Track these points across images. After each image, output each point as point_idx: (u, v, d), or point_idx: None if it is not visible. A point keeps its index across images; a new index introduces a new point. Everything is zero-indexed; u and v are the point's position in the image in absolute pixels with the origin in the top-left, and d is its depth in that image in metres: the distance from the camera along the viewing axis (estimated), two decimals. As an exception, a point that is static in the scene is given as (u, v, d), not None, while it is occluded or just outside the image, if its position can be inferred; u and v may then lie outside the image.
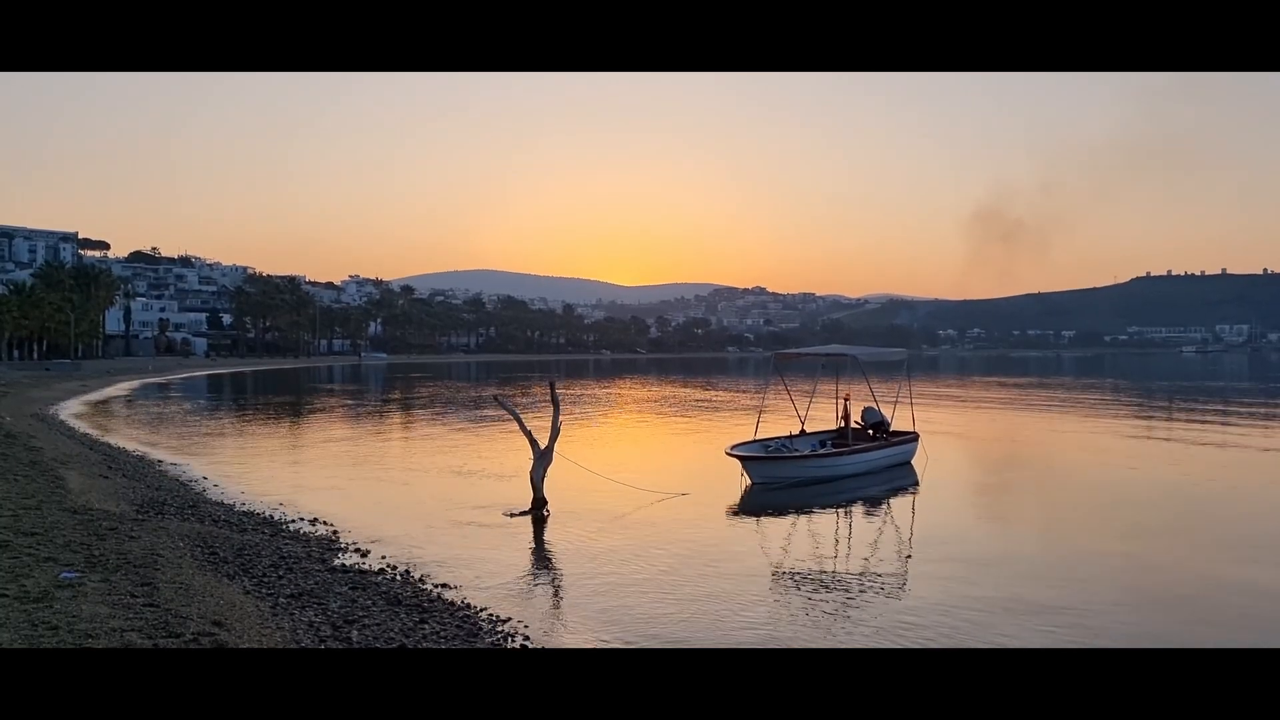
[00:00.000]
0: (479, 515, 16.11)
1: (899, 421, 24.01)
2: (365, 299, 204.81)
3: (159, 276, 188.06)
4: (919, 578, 12.16)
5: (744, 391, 61.52)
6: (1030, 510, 18.72)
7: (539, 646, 9.10)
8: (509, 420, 17.71)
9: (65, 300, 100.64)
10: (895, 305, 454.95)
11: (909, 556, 13.89)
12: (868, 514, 17.65)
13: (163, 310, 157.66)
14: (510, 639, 9.17)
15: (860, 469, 21.30)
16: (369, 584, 10.76)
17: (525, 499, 16.23)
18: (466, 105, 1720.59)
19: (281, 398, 56.10)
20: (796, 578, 12.26)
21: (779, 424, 25.18)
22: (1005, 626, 9.91)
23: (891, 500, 18.99)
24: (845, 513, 17.66)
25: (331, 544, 13.38)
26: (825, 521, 17.00)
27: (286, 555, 11.80)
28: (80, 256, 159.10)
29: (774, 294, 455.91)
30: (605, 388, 69.70)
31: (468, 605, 10.26)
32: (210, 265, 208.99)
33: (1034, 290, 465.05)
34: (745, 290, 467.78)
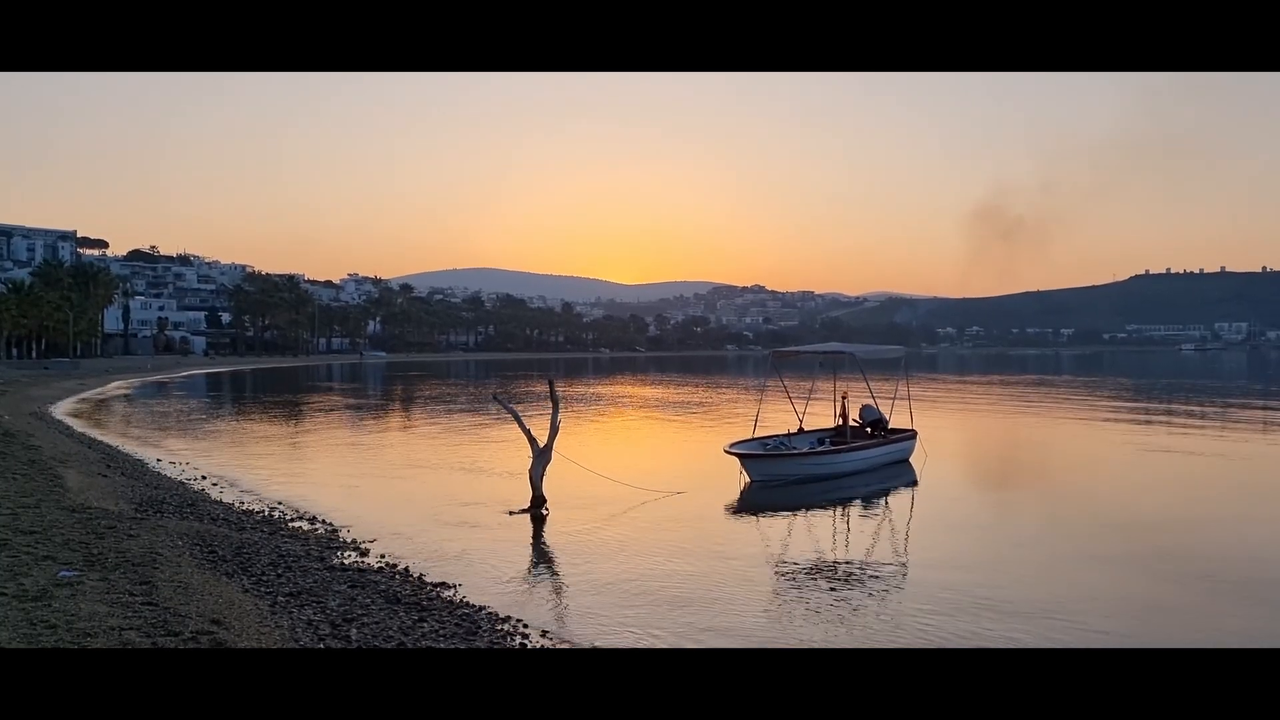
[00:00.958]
0: (478, 514, 16.11)
1: (897, 419, 24.02)
2: (364, 297, 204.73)
3: (158, 275, 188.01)
4: (917, 576, 12.17)
5: (742, 389, 61.54)
6: (1028, 508, 18.72)
7: (538, 646, 9.11)
8: (508, 419, 17.71)
9: (64, 299, 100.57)
10: (894, 303, 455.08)
11: (907, 555, 13.92)
12: (866, 512, 17.67)
13: (161, 309, 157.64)
14: (509, 638, 9.17)
15: (858, 467, 21.32)
16: (368, 582, 10.76)
17: (524, 497, 16.24)
18: (465, 104, 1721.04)
19: (280, 396, 56.08)
20: (796, 576, 12.27)
21: (777, 422, 25.20)
22: (1004, 626, 9.91)
23: (889, 498, 19.00)
24: (843, 511, 17.68)
25: (330, 542, 13.38)
26: (824, 519, 17.01)
27: (285, 554, 11.80)
28: (79, 255, 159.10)
29: (773, 292, 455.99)
30: (604, 386, 69.71)
31: (467, 604, 10.26)
32: (209, 264, 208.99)
33: (1033, 288, 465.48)
34: (744, 288, 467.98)
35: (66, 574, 8.56)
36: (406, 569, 11.82)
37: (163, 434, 30.84)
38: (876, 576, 12.23)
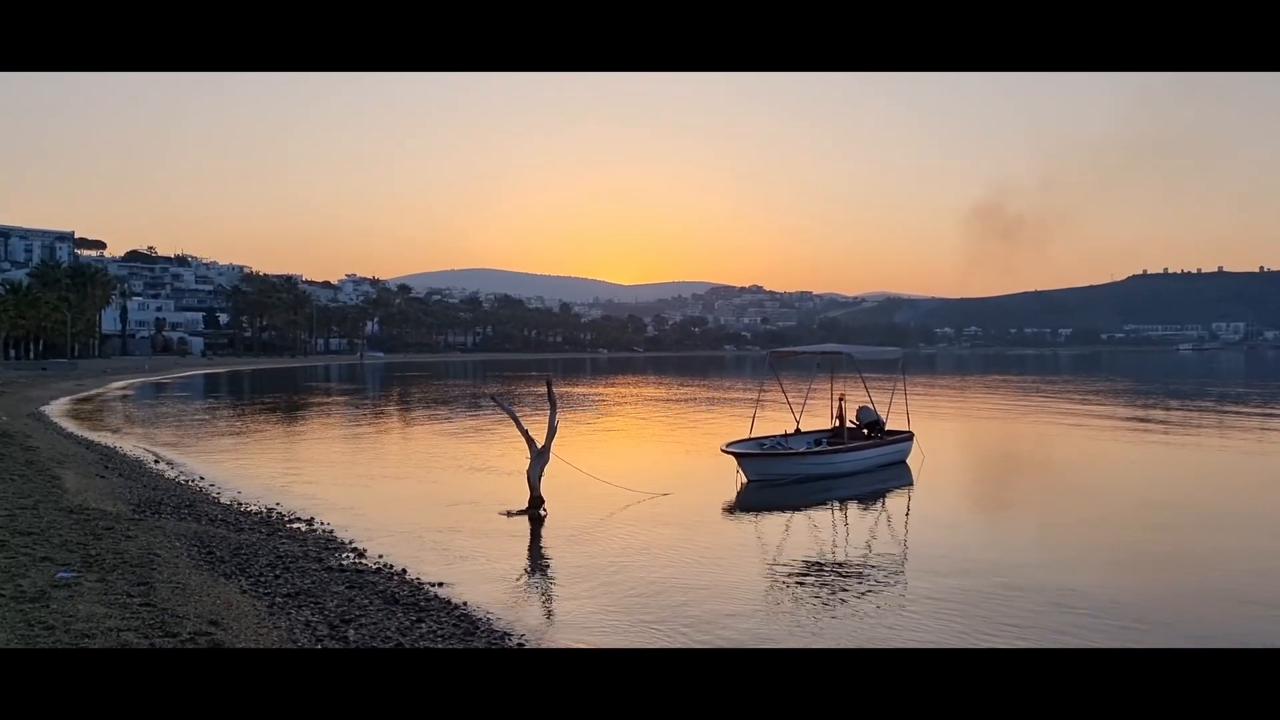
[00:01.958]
0: (476, 515, 16.11)
1: (894, 420, 24.03)
2: (362, 298, 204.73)
3: (155, 276, 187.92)
4: (914, 577, 12.18)
5: (740, 389, 61.55)
6: (1025, 510, 18.74)
7: (536, 646, 9.12)
8: (506, 419, 17.72)
9: (62, 300, 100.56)
10: (892, 303, 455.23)
11: (903, 555, 13.93)
12: (862, 512, 17.68)
13: (159, 309, 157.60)
14: (507, 639, 9.17)
15: (855, 467, 21.34)
16: (366, 583, 10.76)
17: (522, 498, 16.23)
18: (463, 104, 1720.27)
19: (278, 397, 56.05)
20: (793, 576, 12.27)
21: (775, 422, 25.20)
22: (1002, 626, 9.91)
23: (886, 498, 19.01)
24: (840, 511, 17.69)
25: (328, 543, 13.37)
26: (820, 519, 17.02)
27: (283, 554, 11.79)
28: (76, 256, 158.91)
29: (771, 292, 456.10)
30: (602, 386, 69.71)
31: (464, 604, 10.27)
32: (207, 264, 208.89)
33: (1031, 288, 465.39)
34: (742, 289, 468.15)
35: (64, 575, 8.56)
36: (404, 570, 11.82)
37: (161, 435, 30.82)
38: (873, 576, 12.24)
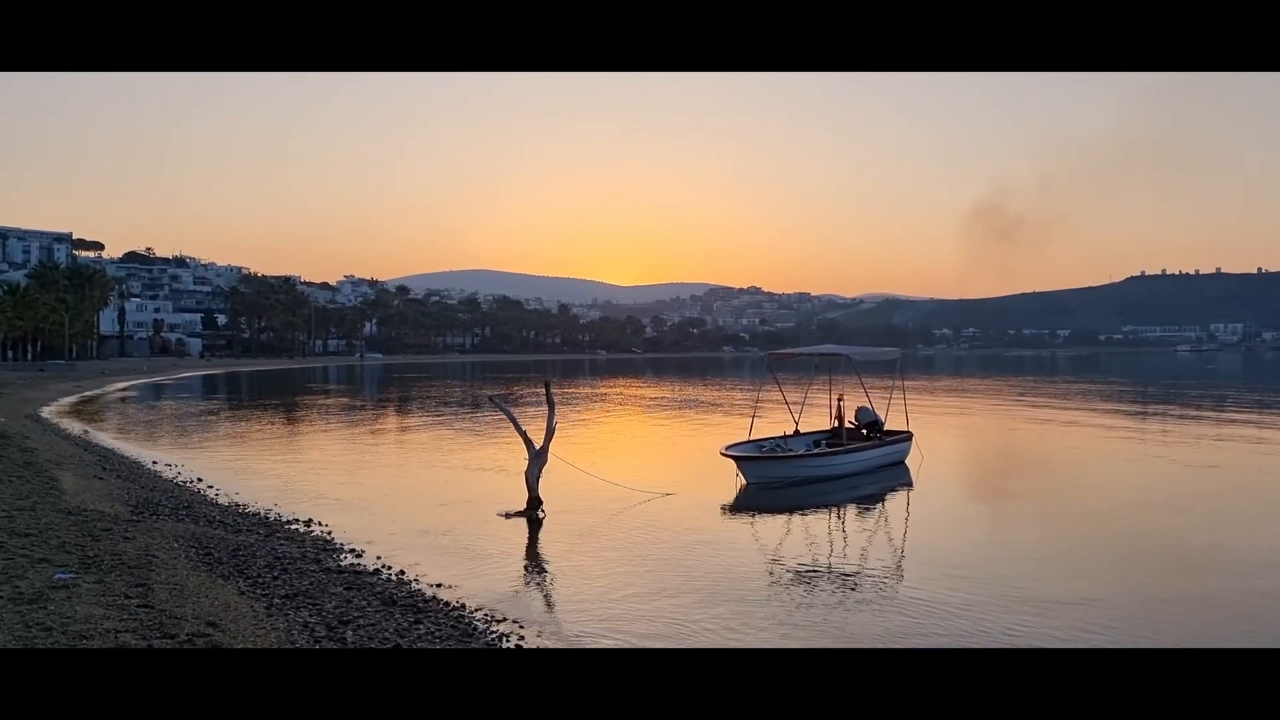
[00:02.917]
0: (474, 516, 16.11)
1: (893, 421, 24.05)
2: (360, 299, 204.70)
3: (153, 277, 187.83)
4: (913, 577, 12.17)
5: (739, 391, 61.56)
6: (1023, 510, 18.75)
7: (534, 646, 9.12)
8: (504, 421, 17.72)
9: (60, 301, 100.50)
10: (891, 304, 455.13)
11: (903, 555, 13.93)
12: (862, 513, 17.69)
13: (157, 311, 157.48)
14: (505, 639, 9.17)
15: (854, 468, 21.34)
16: (364, 584, 10.75)
17: (520, 499, 16.23)
18: (461, 105, 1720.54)
19: (277, 398, 56.02)
20: (792, 577, 12.27)
21: (773, 424, 25.20)
22: (1000, 626, 9.92)
23: (885, 499, 19.03)
24: (840, 512, 17.70)
25: (327, 545, 13.36)
26: (820, 521, 17.03)
27: (281, 556, 11.79)
28: (75, 257, 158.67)
29: (769, 294, 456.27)
30: (601, 387, 69.70)
31: (463, 605, 10.26)
32: (205, 265, 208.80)
33: (1030, 289, 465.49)
34: (741, 290, 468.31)
35: (62, 576, 8.55)
36: (402, 571, 11.81)
37: (159, 436, 30.82)
38: (872, 578, 12.24)
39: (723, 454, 20.30)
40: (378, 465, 23.99)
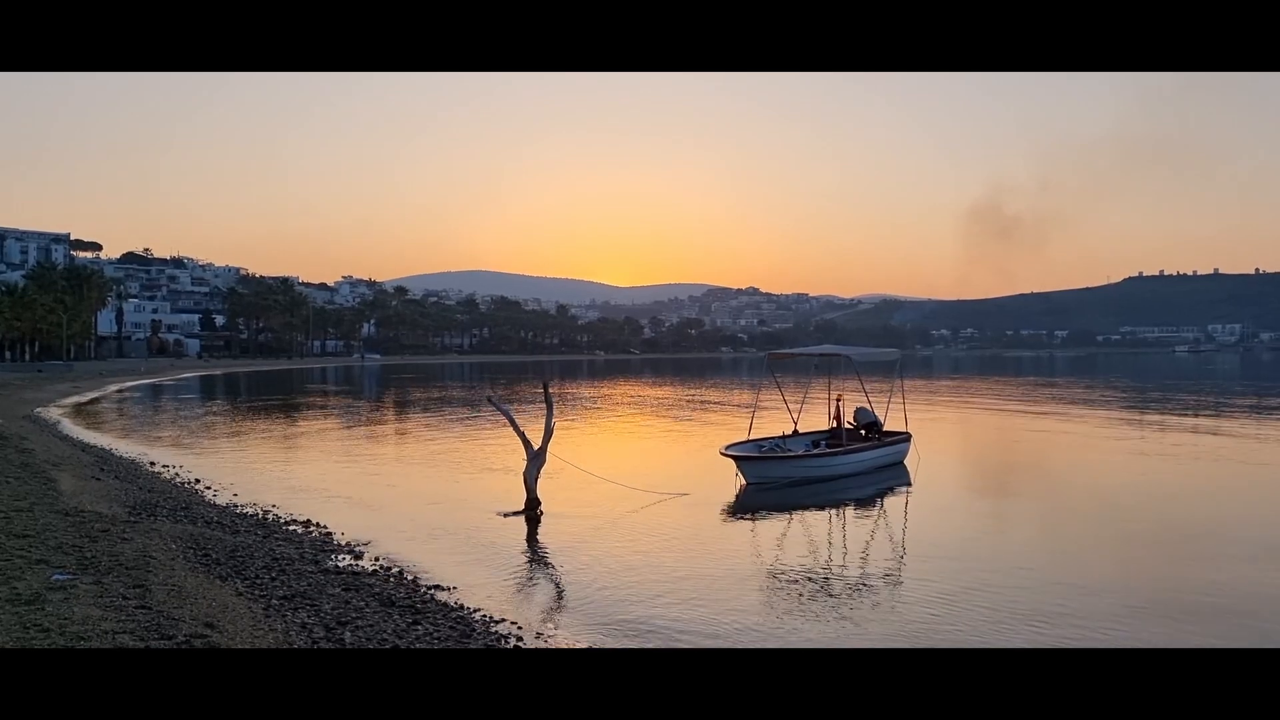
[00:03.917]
0: (473, 516, 16.09)
1: (892, 421, 24.05)
2: (359, 300, 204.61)
3: (151, 277, 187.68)
4: (912, 577, 12.17)
5: (737, 391, 61.56)
6: (1022, 509, 18.75)
7: (533, 647, 9.10)
8: (503, 421, 17.71)
9: (57, 301, 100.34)
10: (889, 305, 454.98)
11: (902, 556, 13.94)
12: (861, 514, 17.69)
13: (155, 311, 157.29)
14: (504, 640, 9.15)
15: (853, 469, 21.35)
16: (362, 585, 10.73)
17: (519, 500, 16.22)
18: (460, 105, 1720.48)
19: (275, 399, 55.99)
20: (791, 577, 12.27)
21: (772, 424, 25.20)
22: (1000, 626, 9.92)
23: (884, 500, 19.03)
24: (839, 513, 17.71)
25: (325, 546, 13.35)
26: (819, 521, 17.03)
27: (279, 557, 11.77)
28: (72, 258, 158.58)
29: (768, 294, 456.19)
30: (599, 388, 69.69)
31: (461, 606, 10.25)
32: (203, 266, 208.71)
33: (1028, 290, 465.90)
34: (739, 291, 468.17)
35: (60, 577, 8.53)
36: (401, 572, 11.80)
37: (156, 437, 30.78)
38: (871, 578, 12.24)
39: (722, 454, 20.31)
40: (376, 466, 23.97)
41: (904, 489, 20.27)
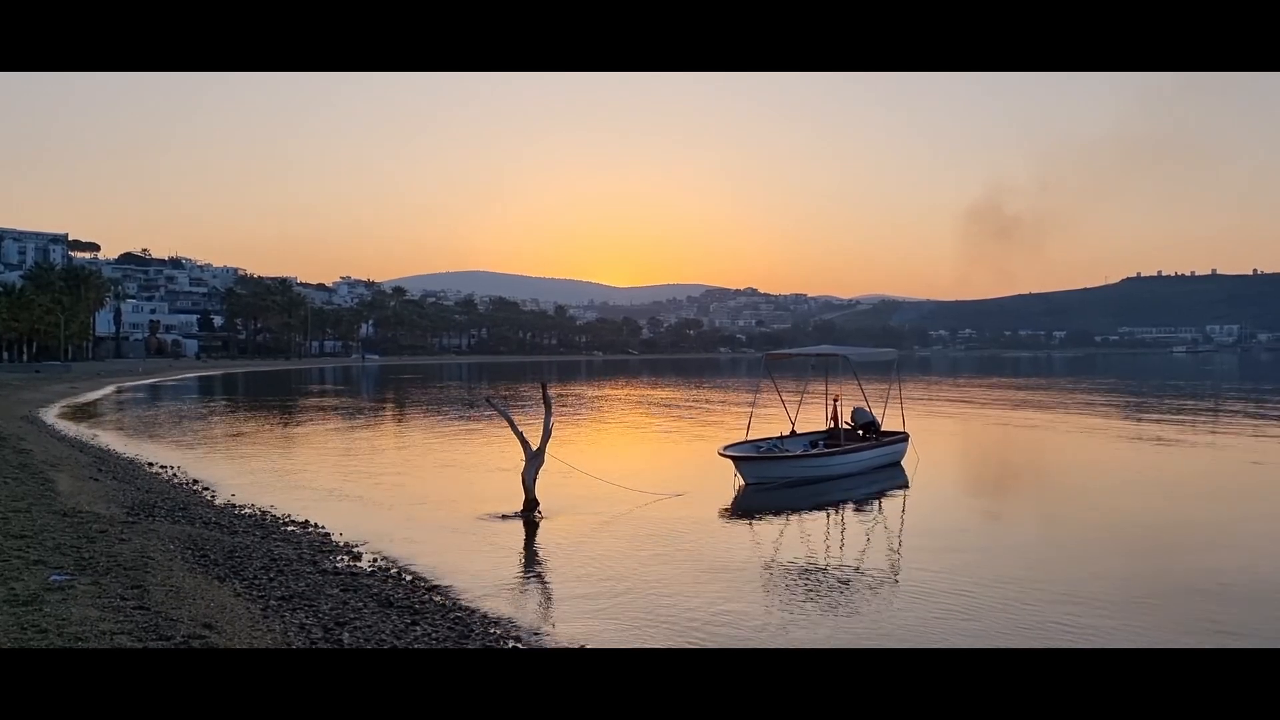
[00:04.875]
0: (471, 517, 16.08)
1: (889, 422, 24.06)
2: (357, 300, 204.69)
3: (149, 278, 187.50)
4: (910, 577, 12.17)
5: (735, 392, 61.58)
6: (1020, 510, 18.77)
7: (531, 647, 9.10)
8: (501, 421, 17.70)
9: (55, 302, 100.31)
10: (888, 306, 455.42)
11: (900, 556, 13.94)
12: (859, 514, 17.70)
13: (153, 312, 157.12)
14: (502, 641, 9.16)
15: (851, 469, 21.36)
16: (360, 586, 10.73)
17: (517, 501, 16.22)
18: (458, 106, 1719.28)
19: (273, 400, 55.95)
20: (790, 577, 12.27)
21: (770, 425, 25.22)
22: (999, 625, 9.93)
23: (882, 500, 19.03)
24: (837, 513, 17.72)
25: (323, 546, 13.34)
26: (817, 521, 17.05)
27: (278, 557, 11.76)
28: (70, 258, 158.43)
29: (766, 295, 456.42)
30: (598, 389, 69.70)
31: (460, 607, 10.25)
32: (201, 266, 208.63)
33: (1026, 291, 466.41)
34: (737, 291, 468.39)
35: (57, 578, 8.53)
36: (399, 573, 11.80)
37: (154, 437, 30.76)
38: (870, 578, 12.25)
39: (721, 454, 20.32)
40: (375, 467, 23.96)
41: (902, 489, 20.27)
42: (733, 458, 20.02)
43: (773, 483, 19.78)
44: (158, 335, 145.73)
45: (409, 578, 11.55)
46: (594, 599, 11.05)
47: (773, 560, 13.76)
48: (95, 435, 30.21)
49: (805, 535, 15.84)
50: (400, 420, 41.37)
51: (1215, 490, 20.59)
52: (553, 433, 16.97)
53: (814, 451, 21.73)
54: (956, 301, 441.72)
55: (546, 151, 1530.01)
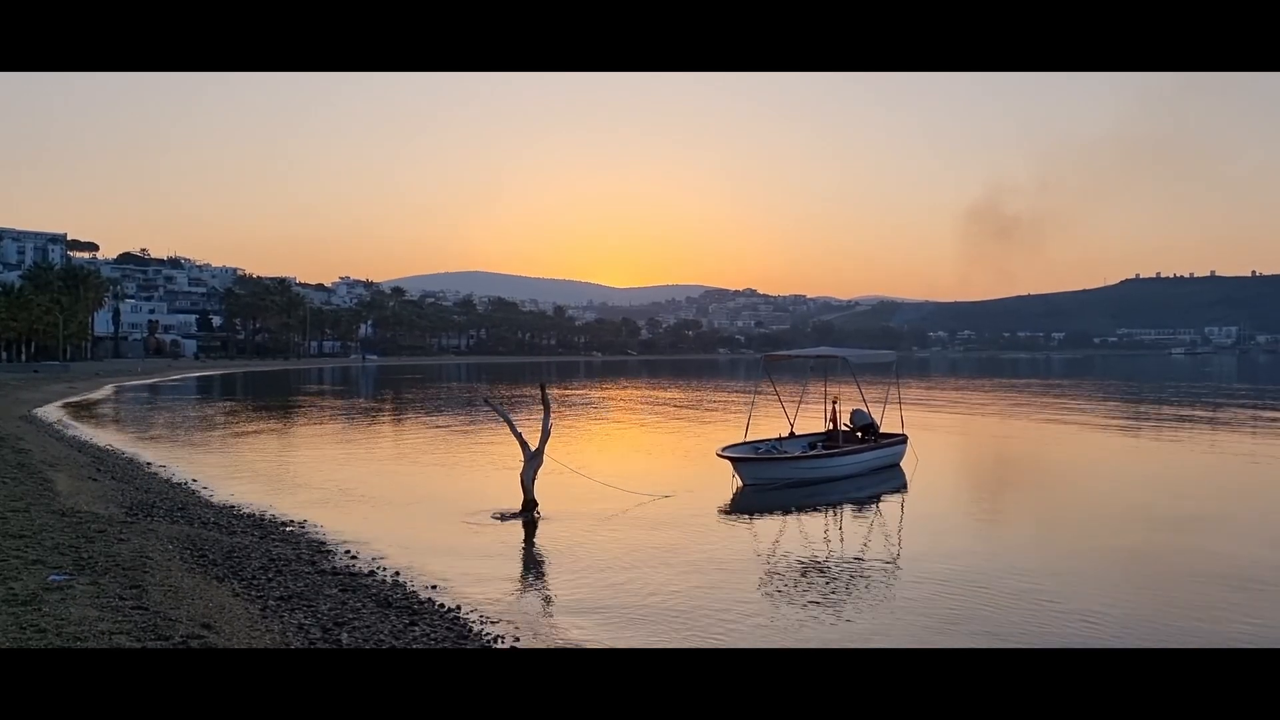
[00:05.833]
0: (469, 518, 16.08)
1: (888, 423, 24.06)
2: (356, 300, 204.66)
3: (148, 278, 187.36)
4: (909, 578, 12.18)
5: (734, 393, 61.57)
6: (1018, 510, 18.77)
7: (529, 647, 9.09)
8: (500, 422, 17.70)
9: (54, 302, 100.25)
10: (886, 307, 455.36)
11: (898, 557, 13.93)
12: (857, 515, 17.69)
13: (152, 312, 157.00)
14: (501, 641, 9.16)
15: (850, 471, 21.35)
16: (359, 586, 10.73)
17: (516, 501, 16.22)
18: (457, 106, 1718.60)
19: (272, 400, 55.92)
20: (789, 578, 12.27)
21: (769, 426, 25.22)
22: (997, 626, 9.93)
23: (881, 502, 19.03)
24: (835, 514, 17.71)
25: (322, 546, 13.34)
26: (816, 522, 17.05)
27: (276, 558, 11.76)
28: (69, 258, 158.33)
29: (765, 296, 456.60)
30: (597, 389, 69.68)
31: (458, 607, 10.25)
32: (200, 266, 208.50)
33: (1025, 292, 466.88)
34: (736, 292, 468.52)
35: (56, 578, 8.52)
36: (398, 573, 11.79)
37: (153, 437, 30.74)
38: (868, 579, 12.25)
39: (719, 455, 20.32)
40: (373, 467, 23.95)
41: (900, 490, 20.28)
42: (731, 459, 20.02)
43: (771, 484, 19.78)
44: (156, 335, 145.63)
45: (407, 578, 11.53)
46: (593, 599, 11.04)
47: (771, 561, 13.76)
48: (94, 435, 30.19)
49: (804, 536, 15.83)
50: (399, 421, 41.36)
51: (1215, 490, 20.60)
52: (551, 433, 16.96)
53: (813, 453, 21.74)
54: (955, 303, 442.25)
55: (546, 151, 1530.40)
